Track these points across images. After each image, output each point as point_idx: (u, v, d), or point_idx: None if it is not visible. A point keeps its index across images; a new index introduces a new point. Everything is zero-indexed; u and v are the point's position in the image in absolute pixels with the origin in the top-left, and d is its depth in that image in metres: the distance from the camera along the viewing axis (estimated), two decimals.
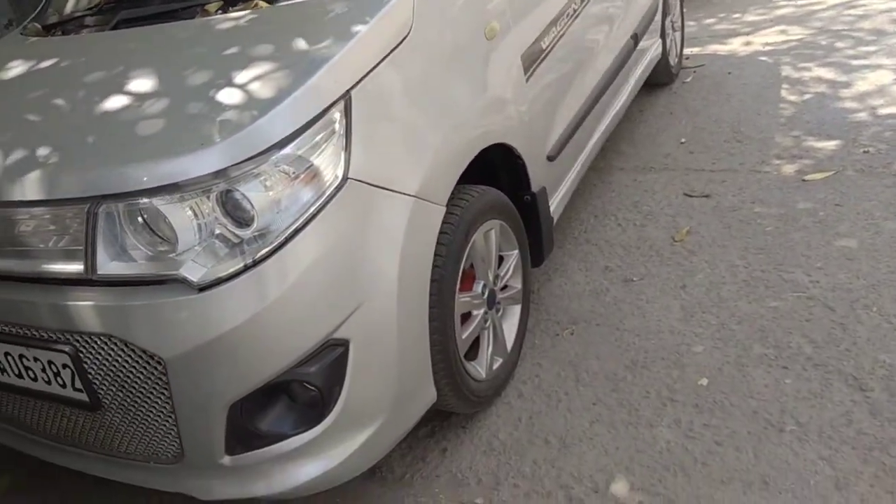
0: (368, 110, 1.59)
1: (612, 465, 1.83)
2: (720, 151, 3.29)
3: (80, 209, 1.45)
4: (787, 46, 4.36)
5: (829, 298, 2.24)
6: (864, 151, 3.05)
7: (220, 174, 1.40)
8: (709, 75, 4.17)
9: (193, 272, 1.40)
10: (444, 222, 1.77)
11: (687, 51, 4.49)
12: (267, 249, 1.42)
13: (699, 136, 3.48)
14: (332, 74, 1.53)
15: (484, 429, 2.04)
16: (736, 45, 4.54)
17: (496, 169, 2.18)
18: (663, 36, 3.78)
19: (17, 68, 1.95)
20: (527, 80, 2.18)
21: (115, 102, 1.59)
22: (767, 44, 4.47)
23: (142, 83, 1.63)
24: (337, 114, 1.53)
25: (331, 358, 1.52)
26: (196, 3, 1.88)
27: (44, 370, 1.58)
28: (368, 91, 1.59)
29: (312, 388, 1.53)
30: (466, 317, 1.96)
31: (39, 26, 2.23)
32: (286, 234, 1.44)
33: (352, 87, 1.56)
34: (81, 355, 1.52)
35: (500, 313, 2.12)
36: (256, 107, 1.46)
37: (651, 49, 3.61)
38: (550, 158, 2.39)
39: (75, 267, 1.49)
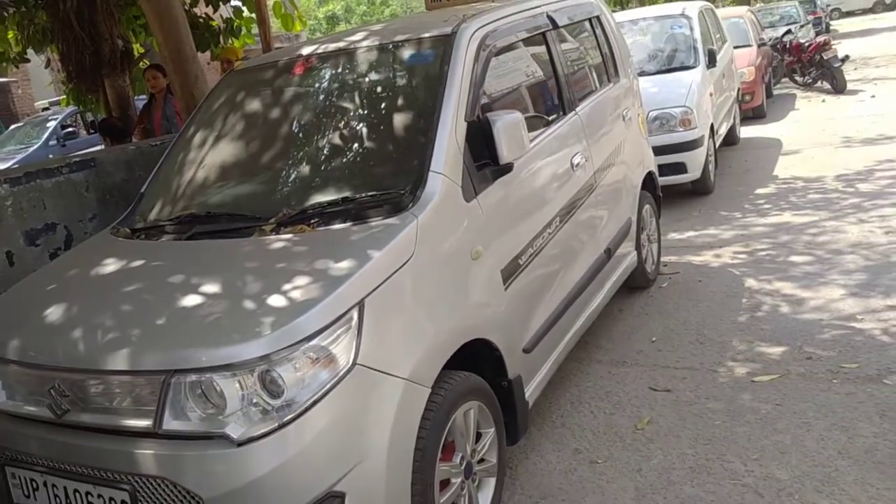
0: (377, 312, 2.12)
1: None
2: (685, 351, 3.77)
3: (155, 379, 1.95)
4: (753, 259, 4.97)
5: (760, 486, 2.62)
6: (808, 358, 3.51)
7: (264, 358, 1.91)
8: (682, 282, 4.76)
9: (235, 431, 1.87)
10: (429, 401, 2.23)
11: (665, 258, 5.11)
12: (291, 416, 1.90)
13: (668, 336, 3.98)
14: (352, 287, 2.09)
15: None
16: (709, 257, 5.16)
17: (480, 358, 2.67)
18: (638, 248, 4.41)
19: (111, 265, 2.54)
20: (505, 289, 2.73)
21: (189, 300, 2.15)
22: (736, 256, 5.09)
23: (210, 287, 2.20)
24: (354, 315, 2.06)
25: None
26: (255, 224, 2.49)
27: None
28: (378, 298, 2.14)
29: None
30: (446, 483, 2.36)
31: (128, 229, 2.85)
32: (306, 405, 1.92)
33: (366, 296, 2.10)
34: (138, 494, 1.95)
35: (476, 483, 2.52)
36: (295, 309, 2.00)
37: (627, 258, 4.22)
38: (526, 351, 2.88)
39: (144, 423, 1.97)
